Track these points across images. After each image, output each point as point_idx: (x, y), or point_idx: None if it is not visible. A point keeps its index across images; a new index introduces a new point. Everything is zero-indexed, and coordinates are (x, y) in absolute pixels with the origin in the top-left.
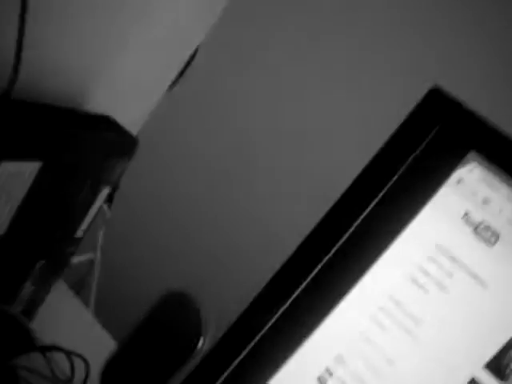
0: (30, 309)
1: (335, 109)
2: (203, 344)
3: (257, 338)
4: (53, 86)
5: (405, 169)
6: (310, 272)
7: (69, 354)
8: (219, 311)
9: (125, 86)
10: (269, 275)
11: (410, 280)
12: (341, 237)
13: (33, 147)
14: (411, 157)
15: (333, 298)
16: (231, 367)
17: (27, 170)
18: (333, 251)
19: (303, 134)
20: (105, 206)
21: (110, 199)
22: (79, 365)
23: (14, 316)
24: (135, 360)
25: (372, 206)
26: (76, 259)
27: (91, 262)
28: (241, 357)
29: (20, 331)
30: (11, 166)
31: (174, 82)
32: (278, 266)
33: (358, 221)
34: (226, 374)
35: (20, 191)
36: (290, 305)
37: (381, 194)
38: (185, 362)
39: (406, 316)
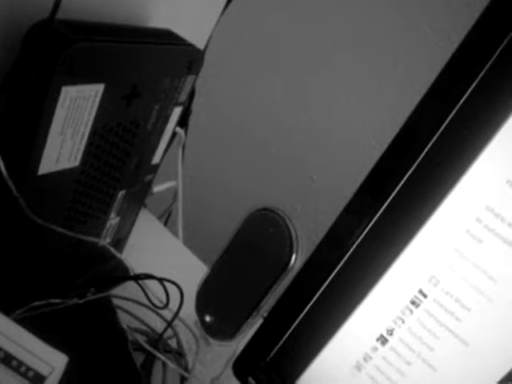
0: (119, 240)
1: None
2: (295, 261)
3: (348, 252)
4: (109, 4)
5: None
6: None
7: (162, 280)
8: (310, 225)
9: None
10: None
11: (508, 186)
12: (431, 137)
13: (92, 68)
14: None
15: (423, 211)
16: (331, 276)
17: (91, 94)
18: (422, 155)
19: None
20: (181, 131)
21: (184, 123)
22: (173, 291)
23: (104, 247)
24: (228, 281)
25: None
26: (158, 188)
27: (175, 191)
28: (337, 269)
29: (112, 262)
30: (73, 91)
31: None
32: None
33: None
34: (325, 285)
35: (87, 117)
36: (378, 220)
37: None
38: (277, 280)
39: (508, 227)
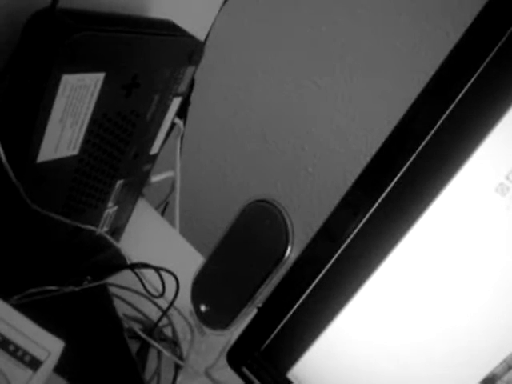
0: (116, 229)
1: None
2: (290, 252)
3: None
4: None
5: None
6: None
7: (158, 269)
8: (305, 217)
9: None
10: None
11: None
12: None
13: (93, 57)
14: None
15: (417, 208)
16: (325, 269)
17: (91, 83)
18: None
19: None
20: (179, 122)
21: (183, 114)
22: (169, 281)
23: (101, 236)
24: (223, 271)
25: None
26: (156, 178)
27: (172, 181)
28: (331, 262)
29: (109, 251)
30: (73, 79)
31: None
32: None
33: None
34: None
35: (87, 106)
36: None
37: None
38: (272, 271)
39: None
